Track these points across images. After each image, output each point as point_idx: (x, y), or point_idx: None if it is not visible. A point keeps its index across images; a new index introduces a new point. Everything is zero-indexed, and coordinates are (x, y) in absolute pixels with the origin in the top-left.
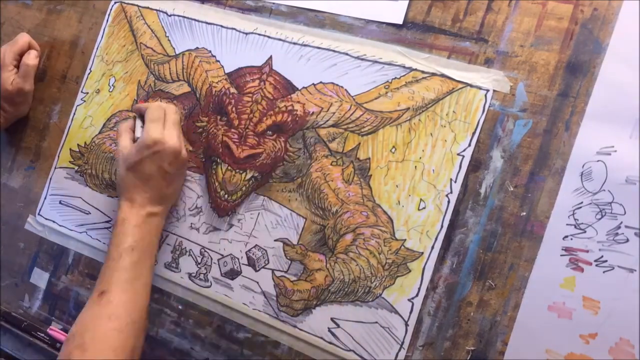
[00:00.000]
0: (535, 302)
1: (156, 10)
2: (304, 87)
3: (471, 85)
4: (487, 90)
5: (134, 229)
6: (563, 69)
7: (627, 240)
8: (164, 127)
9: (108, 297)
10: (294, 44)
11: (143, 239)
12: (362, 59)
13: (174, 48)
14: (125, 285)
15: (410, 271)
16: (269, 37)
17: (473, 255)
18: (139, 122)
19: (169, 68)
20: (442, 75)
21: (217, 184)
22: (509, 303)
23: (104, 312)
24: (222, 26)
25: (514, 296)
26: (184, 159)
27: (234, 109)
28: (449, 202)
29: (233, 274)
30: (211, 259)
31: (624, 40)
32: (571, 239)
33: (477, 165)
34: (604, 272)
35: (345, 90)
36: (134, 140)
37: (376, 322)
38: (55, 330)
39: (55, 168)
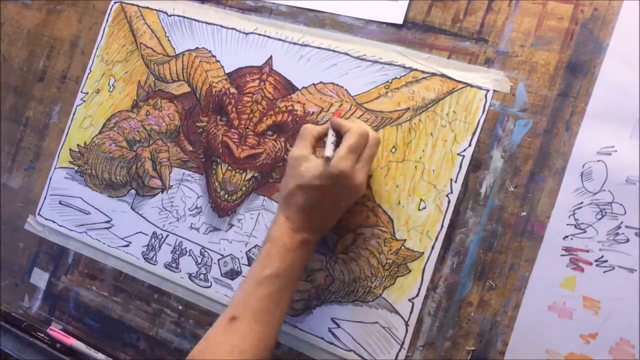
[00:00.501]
0: (536, 302)
1: (156, 10)
2: (304, 87)
3: (471, 85)
4: (488, 90)
5: (284, 253)
6: (563, 69)
7: (628, 240)
8: (358, 160)
9: (237, 326)
10: (294, 44)
11: (291, 266)
12: (362, 59)
13: (174, 48)
14: (260, 316)
15: (410, 271)
16: (269, 37)
17: (473, 255)
18: (331, 135)
19: (169, 68)
20: (442, 75)
21: (217, 184)
22: (509, 303)
23: (229, 341)
24: (222, 26)
25: (514, 296)
26: (359, 196)
27: (234, 109)
28: (449, 202)
29: (233, 274)
30: (211, 259)
31: (624, 40)
32: (571, 239)
33: (477, 165)
34: (604, 272)
35: (346, 90)
36: (314, 151)
37: (376, 322)
38: (55, 330)
39: (55, 168)
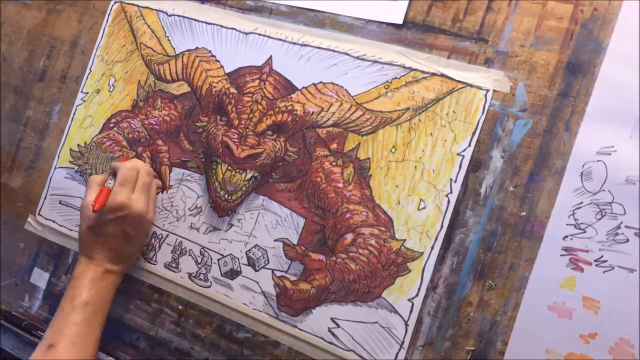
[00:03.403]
0: (536, 302)
1: (156, 10)
2: (304, 87)
3: (471, 85)
4: (487, 90)
5: (90, 284)
6: (563, 69)
7: (627, 240)
8: (133, 190)
9: (56, 351)
10: (294, 44)
11: (98, 294)
12: (362, 59)
13: (174, 48)
14: (75, 340)
15: (410, 271)
16: (269, 37)
17: (473, 255)
18: (111, 180)
19: (169, 68)
20: (442, 75)
21: (217, 183)
22: (509, 303)
23: None
24: (222, 26)
25: (514, 296)
26: (149, 221)
27: (234, 108)
28: (449, 202)
29: (233, 273)
30: (211, 258)
31: (624, 40)
32: (571, 239)
33: (477, 165)
34: (604, 272)
35: (345, 90)
36: None
37: (376, 322)
38: None
39: (55, 168)
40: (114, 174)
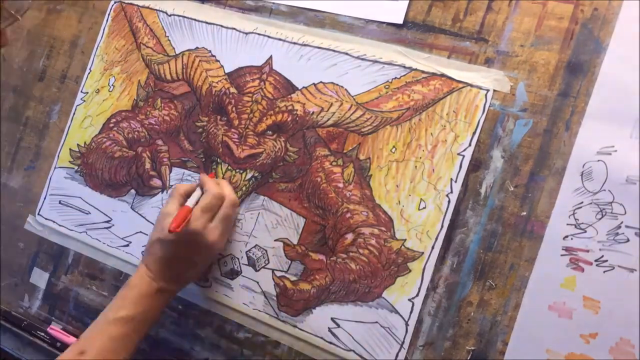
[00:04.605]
0: (536, 302)
1: (156, 10)
2: (304, 87)
3: (471, 85)
4: (488, 90)
5: (141, 299)
6: (563, 69)
7: (628, 240)
8: (212, 219)
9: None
10: (294, 43)
11: (145, 312)
12: (362, 59)
13: (173, 48)
14: (105, 355)
15: (410, 271)
16: (269, 37)
17: (473, 255)
18: (197, 192)
19: (169, 68)
20: (443, 75)
21: None
22: (509, 303)
23: None
24: (222, 26)
25: (514, 296)
26: (218, 251)
27: (234, 108)
28: (449, 202)
29: (233, 273)
30: None
31: (624, 40)
32: (571, 238)
33: (477, 165)
34: (604, 272)
35: (346, 90)
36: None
37: (376, 322)
38: (55, 329)
39: (55, 168)
40: (200, 186)
